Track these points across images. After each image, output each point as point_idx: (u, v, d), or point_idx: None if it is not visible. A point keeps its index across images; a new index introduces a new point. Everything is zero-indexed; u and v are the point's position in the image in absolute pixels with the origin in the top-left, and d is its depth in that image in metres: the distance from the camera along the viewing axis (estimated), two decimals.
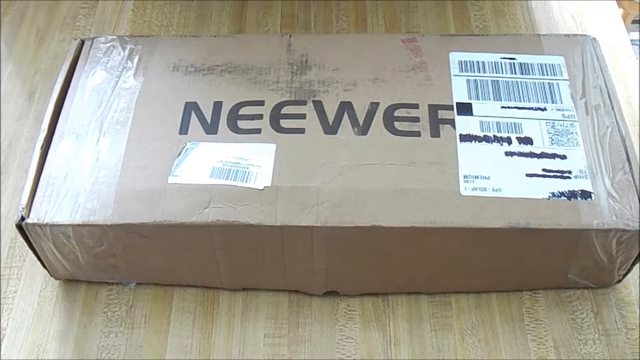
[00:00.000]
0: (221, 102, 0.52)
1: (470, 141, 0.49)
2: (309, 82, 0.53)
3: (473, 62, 0.54)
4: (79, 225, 0.47)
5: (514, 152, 0.49)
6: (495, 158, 0.49)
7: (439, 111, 0.51)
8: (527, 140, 0.49)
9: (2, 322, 0.51)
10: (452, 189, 0.47)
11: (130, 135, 0.50)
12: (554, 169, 0.48)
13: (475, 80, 0.53)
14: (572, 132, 0.50)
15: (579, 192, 0.47)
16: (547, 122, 0.50)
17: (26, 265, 0.53)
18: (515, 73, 0.53)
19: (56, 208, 0.47)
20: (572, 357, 0.49)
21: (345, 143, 0.49)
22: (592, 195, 0.47)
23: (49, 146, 0.50)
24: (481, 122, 0.50)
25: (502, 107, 0.51)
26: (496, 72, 0.53)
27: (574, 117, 0.51)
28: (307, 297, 0.52)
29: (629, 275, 0.50)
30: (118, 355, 0.49)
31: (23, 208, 0.47)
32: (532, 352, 0.49)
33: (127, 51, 0.55)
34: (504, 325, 0.50)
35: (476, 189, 0.47)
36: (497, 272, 0.50)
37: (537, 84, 0.52)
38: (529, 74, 0.53)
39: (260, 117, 0.51)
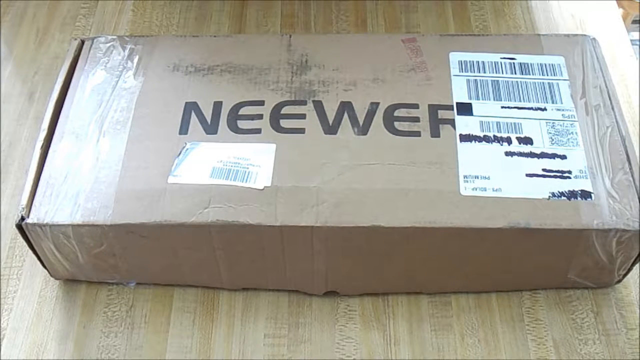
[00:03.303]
0: (221, 102, 0.52)
1: (470, 141, 0.49)
2: (309, 82, 0.53)
3: (473, 62, 0.54)
4: (79, 225, 0.47)
5: (514, 152, 0.49)
6: (495, 158, 0.49)
7: (439, 111, 0.51)
8: (527, 140, 0.49)
9: (2, 322, 0.51)
10: (452, 189, 0.47)
11: (130, 135, 0.50)
12: (554, 169, 0.48)
13: (475, 80, 0.53)
14: (572, 132, 0.50)
15: (579, 192, 0.47)
16: (547, 122, 0.50)
17: (26, 265, 0.53)
18: (515, 73, 0.53)
19: (56, 208, 0.47)
20: (572, 357, 0.49)
21: (345, 143, 0.49)
22: (592, 195, 0.47)
23: (49, 146, 0.50)
24: (481, 122, 0.50)
25: (502, 107, 0.51)
26: (496, 72, 0.53)
27: (574, 117, 0.51)
28: (307, 297, 0.52)
29: (629, 275, 0.50)
30: (118, 355, 0.49)
31: (23, 208, 0.47)
32: (532, 352, 0.49)
33: (127, 51, 0.55)
34: (504, 325, 0.50)
35: (476, 189, 0.47)
36: (497, 272, 0.50)
37: (537, 84, 0.52)
38: (529, 74, 0.53)
39: (260, 117, 0.51)
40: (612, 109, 0.51)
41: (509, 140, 0.49)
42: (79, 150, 0.50)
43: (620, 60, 0.64)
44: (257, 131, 0.50)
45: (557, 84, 0.52)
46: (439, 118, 0.50)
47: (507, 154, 0.49)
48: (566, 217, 0.46)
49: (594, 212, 0.46)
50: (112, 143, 0.50)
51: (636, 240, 0.46)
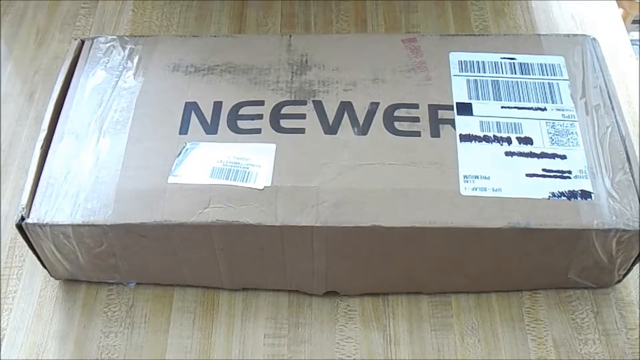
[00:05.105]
0: (221, 102, 0.52)
1: (470, 141, 0.49)
2: (309, 82, 0.53)
3: (473, 62, 0.54)
4: (79, 225, 0.47)
5: (514, 152, 0.49)
6: (495, 158, 0.49)
7: (439, 111, 0.51)
8: (527, 140, 0.49)
9: (2, 322, 0.51)
10: (452, 189, 0.47)
11: (130, 135, 0.50)
12: (554, 169, 0.48)
13: (475, 80, 0.53)
14: (572, 132, 0.50)
15: (579, 192, 0.47)
16: (547, 122, 0.50)
17: (26, 265, 0.53)
18: (515, 73, 0.53)
19: (56, 208, 0.47)
20: (572, 357, 0.49)
21: (345, 143, 0.49)
22: (592, 195, 0.47)
23: (49, 146, 0.50)
24: (481, 122, 0.50)
25: (502, 107, 0.51)
26: (496, 72, 0.53)
27: (574, 117, 0.51)
28: (307, 297, 0.52)
29: (629, 275, 0.50)
30: (118, 355, 0.49)
31: (23, 208, 0.47)
32: (532, 352, 0.49)
33: (127, 51, 0.55)
34: (504, 325, 0.50)
35: (476, 189, 0.47)
36: (497, 272, 0.50)
37: (537, 84, 0.52)
38: (529, 74, 0.53)
39: (260, 117, 0.51)
40: (612, 109, 0.51)
41: (509, 140, 0.49)
42: (79, 150, 0.50)
43: (620, 60, 0.64)
44: (257, 131, 0.50)
45: (557, 84, 0.52)
46: (439, 118, 0.50)
47: (507, 154, 0.49)
48: (566, 217, 0.46)
49: (594, 212, 0.46)
50: (112, 143, 0.50)
51: (636, 240, 0.46)
